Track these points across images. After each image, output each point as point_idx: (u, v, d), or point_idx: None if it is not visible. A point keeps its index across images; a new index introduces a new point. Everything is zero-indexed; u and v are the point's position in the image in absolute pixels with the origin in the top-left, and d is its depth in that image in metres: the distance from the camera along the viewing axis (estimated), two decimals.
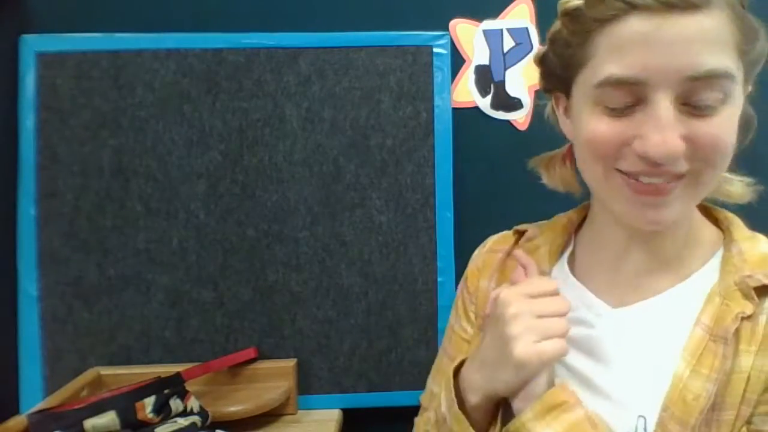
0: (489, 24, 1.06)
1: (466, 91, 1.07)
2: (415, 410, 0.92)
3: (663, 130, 0.45)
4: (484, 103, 1.07)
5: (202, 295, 1.02)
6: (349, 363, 1.04)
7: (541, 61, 0.58)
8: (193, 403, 0.87)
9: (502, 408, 0.55)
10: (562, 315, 0.52)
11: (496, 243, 0.70)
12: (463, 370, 0.57)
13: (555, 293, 0.53)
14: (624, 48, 0.45)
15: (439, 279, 1.04)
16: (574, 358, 0.56)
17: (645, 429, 0.50)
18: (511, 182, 1.07)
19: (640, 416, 0.51)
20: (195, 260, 1.02)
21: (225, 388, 0.98)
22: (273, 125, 1.02)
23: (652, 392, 0.51)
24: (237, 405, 0.93)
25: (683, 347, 0.50)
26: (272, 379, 0.99)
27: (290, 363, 1.01)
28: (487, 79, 1.07)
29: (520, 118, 1.07)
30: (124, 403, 0.78)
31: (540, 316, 0.51)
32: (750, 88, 0.51)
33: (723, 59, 0.45)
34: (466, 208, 1.06)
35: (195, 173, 1.02)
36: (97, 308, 1.01)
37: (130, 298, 1.01)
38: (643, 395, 0.51)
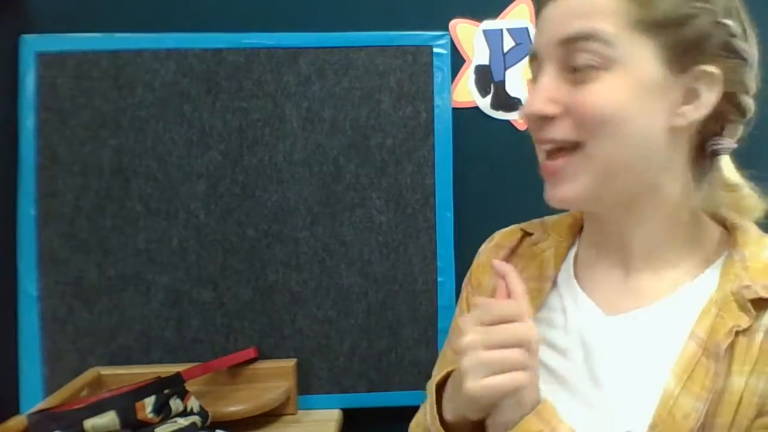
0: (489, 24, 1.06)
1: (466, 91, 1.07)
2: (415, 410, 0.91)
3: (534, 91, 0.50)
4: (484, 103, 1.07)
5: (202, 295, 1.02)
6: (349, 363, 1.04)
7: None
8: (193, 403, 0.87)
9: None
10: (524, 344, 0.47)
11: (503, 238, 0.67)
12: (446, 387, 0.55)
13: (517, 318, 0.48)
14: (536, 31, 0.53)
15: (439, 279, 1.04)
16: (566, 368, 0.54)
17: None
18: (511, 182, 1.07)
19: (628, 431, 0.49)
20: (195, 260, 1.02)
21: (225, 388, 0.98)
22: (273, 125, 1.02)
23: (640, 407, 0.49)
24: (237, 405, 0.93)
25: (675, 362, 0.48)
26: (272, 379, 0.99)
27: (290, 363, 1.01)
28: (487, 79, 1.07)
29: (522, 118, 1.07)
30: (124, 403, 0.78)
31: (494, 347, 0.46)
32: (711, 69, 0.48)
33: (593, 23, 0.47)
34: (466, 208, 1.06)
35: (195, 173, 1.02)
36: (97, 308, 1.01)
37: (130, 298, 1.01)
38: (631, 410, 0.49)
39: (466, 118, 1.06)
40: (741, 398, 0.45)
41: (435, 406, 0.54)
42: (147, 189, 1.01)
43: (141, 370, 0.96)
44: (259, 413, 0.93)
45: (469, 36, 1.07)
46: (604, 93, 0.47)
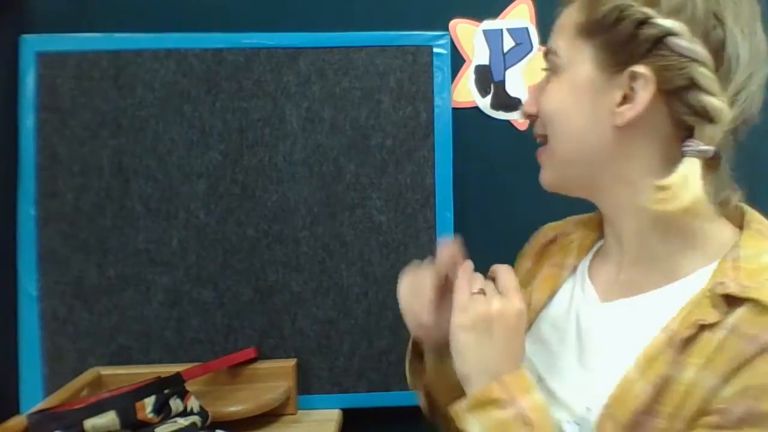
0: (489, 24, 1.06)
1: (466, 91, 1.07)
2: (415, 410, 0.91)
3: (527, 94, 0.62)
4: (484, 103, 1.07)
5: (202, 295, 1.02)
6: (349, 363, 1.04)
7: None
8: (193, 403, 0.87)
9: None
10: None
11: (547, 231, 0.74)
12: None
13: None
14: None
15: None
16: (560, 347, 0.60)
17: (589, 423, 0.52)
18: (511, 182, 1.07)
19: (588, 408, 0.53)
20: (195, 260, 1.02)
21: (225, 388, 0.98)
22: (273, 125, 1.02)
23: (602, 390, 0.51)
24: (237, 405, 0.93)
25: (642, 350, 0.50)
26: (272, 379, 0.99)
27: (290, 363, 1.01)
28: (487, 79, 1.07)
29: (520, 118, 1.07)
30: (124, 403, 0.78)
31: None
32: (639, 69, 0.49)
33: (555, 40, 0.56)
34: (466, 208, 1.06)
35: (195, 173, 1.02)
36: (97, 308, 1.01)
37: (130, 298, 1.01)
38: (598, 391, 0.52)
39: (466, 118, 1.06)
40: (687, 390, 0.46)
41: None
42: (147, 189, 1.01)
43: (141, 370, 0.96)
44: (259, 413, 0.93)
45: (469, 36, 1.07)
46: (549, 95, 0.56)
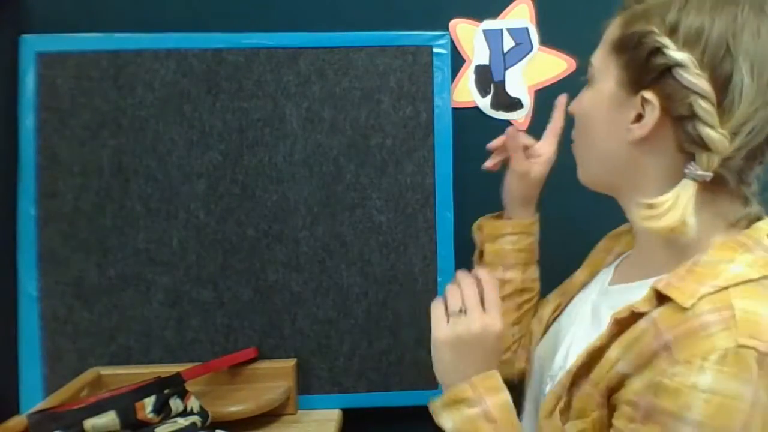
0: (489, 24, 1.07)
1: (466, 91, 1.07)
2: (414, 410, 0.92)
3: None
4: (484, 103, 1.07)
5: (202, 295, 1.02)
6: (349, 363, 1.04)
7: None
8: (193, 403, 0.87)
9: None
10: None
11: (620, 228, 0.78)
12: None
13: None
14: None
15: (439, 279, 1.04)
16: (567, 317, 0.70)
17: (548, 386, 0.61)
18: None
19: (552, 377, 0.62)
20: (195, 260, 1.02)
21: (225, 388, 0.98)
22: (273, 125, 1.02)
23: (567, 361, 0.60)
24: (237, 405, 0.93)
25: (601, 331, 0.56)
26: (272, 379, 0.99)
27: (290, 363, 1.01)
28: (487, 79, 1.07)
29: (520, 118, 1.07)
30: (124, 403, 0.78)
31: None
32: (646, 95, 0.53)
33: (597, 51, 0.62)
34: (466, 208, 1.05)
35: (195, 173, 1.02)
36: (97, 308, 1.01)
37: (130, 298, 1.01)
38: (561, 359, 0.62)
39: (466, 118, 1.06)
40: (609, 367, 0.52)
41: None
42: (147, 189, 1.01)
43: (141, 370, 0.96)
44: (259, 413, 0.93)
45: (469, 36, 1.07)
46: (581, 101, 0.64)
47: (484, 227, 0.86)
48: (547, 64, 1.07)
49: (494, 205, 1.07)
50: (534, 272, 0.84)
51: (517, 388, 0.74)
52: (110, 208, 1.01)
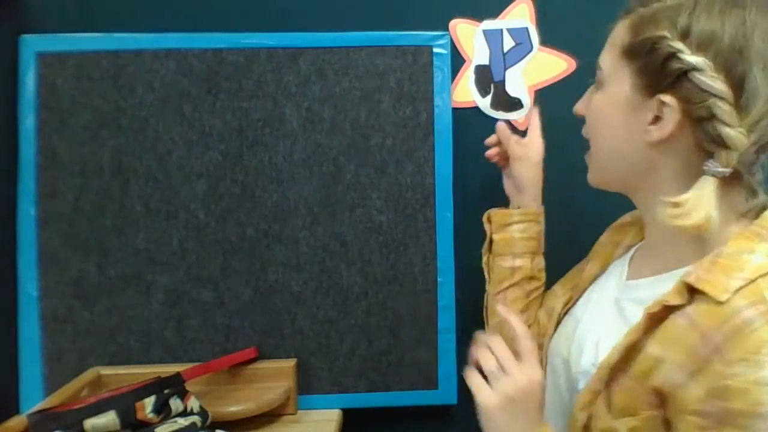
0: (489, 24, 1.06)
1: (466, 91, 1.07)
2: (414, 410, 0.92)
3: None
4: (484, 103, 1.07)
5: (202, 295, 1.02)
6: (349, 363, 1.04)
7: None
8: (193, 403, 0.87)
9: None
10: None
11: (624, 218, 0.80)
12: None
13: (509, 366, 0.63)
14: None
15: (439, 279, 1.04)
16: (582, 309, 0.71)
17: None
18: None
19: (593, 365, 0.62)
20: (195, 260, 1.02)
21: (225, 388, 0.98)
22: (273, 125, 1.02)
23: (599, 356, 0.61)
24: (237, 405, 0.93)
25: (632, 326, 0.58)
26: (272, 379, 0.99)
27: (290, 363, 1.01)
28: (487, 79, 1.07)
29: (520, 118, 1.07)
30: (124, 403, 0.78)
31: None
32: (664, 99, 0.55)
33: (604, 55, 0.63)
34: (466, 208, 1.06)
35: (195, 173, 1.02)
36: (97, 308, 1.01)
37: (130, 298, 1.01)
38: (591, 356, 0.63)
39: (466, 118, 1.06)
40: (653, 365, 0.53)
41: None
42: (147, 189, 1.01)
43: (141, 370, 0.96)
44: (259, 413, 0.93)
45: (469, 36, 1.07)
46: (593, 105, 0.65)
47: (493, 216, 0.89)
48: (547, 64, 1.07)
49: (494, 205, 1.07)
50: (541, 262, 0.87)
51: None
52: (110, 208, 1.01)
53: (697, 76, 0.53)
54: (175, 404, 0.83)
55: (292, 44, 1.02)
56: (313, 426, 0.97)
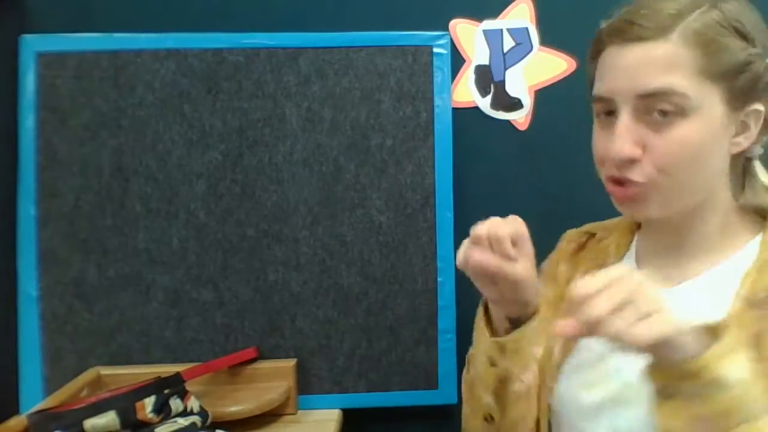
0: (489, 24, 1.06)
1: (466, 91, 1.07)
2: (414, 410, 0.91)
3: (618, 137, 0.56)
4: (484, 103, 1.07)
5: (202, 295, 1.02)
6: (349, 363, 1.04)
7: (587, 86, 0.68)
8: (193, 403, 0.87)
9: None
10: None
11: (573, 236, 0.77)
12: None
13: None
14: (602, 73, 0.59)
15: (439, 279, 1.04)
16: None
17: None
18: (511, 182, 1.07)
19: None
20: (195, 260, 1.02)
21: (225, 388, 0.98)
22: (273, 125, 1.02)
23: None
24: (237, 405, 0.93)
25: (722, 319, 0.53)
26: (272, 379, 0.99)
27: (290, 363, 1.01)
28: (487, 79, 1.07)
29: (520, 118, 1.07)
30: (124, 403, 0.78)
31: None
32: (760, 107, 0.56)
33: (671, 79, 0.54)
34: (466, 208, 1.06)
35: (195, 173, 1.02)
36: (97, 308, 1.01)
37: (130, 298, 1.01)
38: None
39: (466, 118, 1.06)
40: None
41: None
42: (147, 189, 1.01)
43: (141, 370, 0.96)
44: (259, 413, 0.93)
45: (469, 36, 1.07)
46: (683, 138, 0.55)
47: (506, 347, 0.65)
48: (547, 64, 1.07)
49: (494, 205, 1.07)
50: None
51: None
52: (110, 208, 1.01)
53: None
54: (175, 404, 0.83)
55: (292, 44, 1.02)
56: (313, 426, 0.97)
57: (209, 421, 0.87)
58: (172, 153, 1.02)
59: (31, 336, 0.99)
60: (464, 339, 1.06)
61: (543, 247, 0.88)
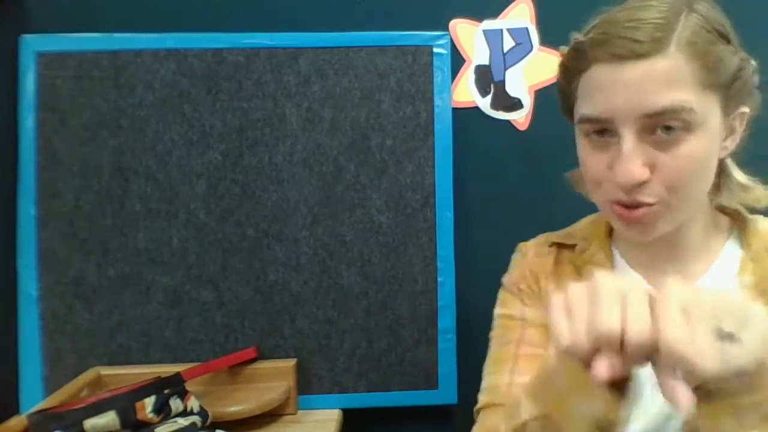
0: (489, 24, 1.07)
1: (466, 91, 1.07)
2: (414, 410, 0.91)
3: (626, 160, 0.52)
4: (484, 103, 1.07)
5: (202, 295, 1.02)
6: (349, 363, 1.04)
7: (558, 99, 0.66)
8: (193, 403, 0.87)
9: None
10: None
11: (539, 248, 0.72)
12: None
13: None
14: (592, 92, 0.55)
15: (439, 279, 1.04)
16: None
17: None
18: (511, 182, 1.07)
19: None
20: (195, 260, 1.02)
21: (225, 388, 0.98)
22: (273, 125, 1.02)
23: None
24: (237, 405, 0.93)
25: None
26: (272, 379, 0.99)
27: (290, 363, 1.01)
28: (487, 79, 1.07)
29: (520, 118, 1.07)
30: (124, 403, 0.78)
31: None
32: (746, 110, 0.57)
33: (677, 95, 0.51)
34: (466, 208, 1.06)
35: (195, 173, 1.02)
36: (97, 308, 1.01)
37: (130, 298, 1.01)
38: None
39: (466, 118, 1.06)
40: None
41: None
42: (147, 189, 1.01)
43: (141, 370, 0.96)
44: (259, 413, 0.93)
45: (469, 36, 1.07)
46: (690, 154, 0.53)
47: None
48: (547, 64, 1.07)
49: (494, 205, 1.08)
50: None
51: None
52: (110, 208, 1.01)
53: (756, 78, 0.56)
54: (175, 404, 0.83)
55: (292, 44, 1.02)
56: (313, 426, 0.97)
57: (209, 421, 0.87)
58: (172, 153, 1.02)
59: (31, 336, 0.99)
60: (464, 339, 1.06)
61: None
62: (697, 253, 0.62)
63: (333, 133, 1.03)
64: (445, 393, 1.04)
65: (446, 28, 1.05)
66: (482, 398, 0.67)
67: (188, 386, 0.89)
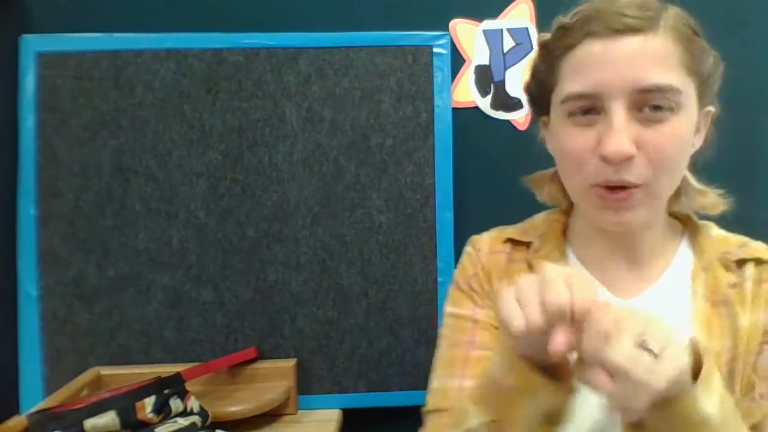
0: (489, 24, 1.07)
1: (466, 91, 1.07)
2: (414, 410, 0.91)
3: (616, 133, 0.52)
4: (484, 103, 1.07)
5: (202, 295, 1.02)
6: (349, 363, 1.04)
7: (527, 89, 0.65)
8: (193, 403, 0.87)
9: None
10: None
11: (493, 245, 0.69)
12: None
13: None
14: (581, 68, 0.54)
15: (439, 279, 1.04)
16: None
17: None
18: (511, 182, 1.07)
19: None
20: (195, 260, 1.02)
21: (225, 388, 0.98)
22: (273, 125, 1.02)
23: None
24: (237, 405, 0.93)
25: (691, 320, 0.58)
26: (272, 379, 1.00)
27: (290, 363, 1.01)
28: (487, 79, 1.07)
29: (520, 118, 1.07)
30: (124, 403, 0.78)
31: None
32: (712, 109, 0.58)
33: (667, 74, 0.52)
34: (466, 208, 1.06)
35: (195, 173, 1.02)
36: (97, 308, 1.01)
37: (130, 298, 1.01)
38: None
39: (466, 118, 1.06)
40: (748, 331, 0.57)
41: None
42: (147, 189, 1.01)
43: (141, 370, 0.96)
44: (259, 413, 0.93)
45: (469, 36, 1.07)
46: (674, 135, 0.53)
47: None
48: None
49: (494, 205, 1.08)
50: None
51: None
52: (110, 208, 1.01)
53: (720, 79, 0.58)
54: (175, 404, 0.83)
55: (292, 44, 1.02)
56: (313, 426, 0.97)
57: (209, 421, 0.87)
58: (172, 153, 1.02)
59: (31, 336, 0.99)
60: None
61: None
62: (653, 256, 0.62)
63: (333, 133, 1.03)
64: None
65: (446, 28, 1.05)
66: (431, 400, 0.67)
67: (188, 386, 0.89)
